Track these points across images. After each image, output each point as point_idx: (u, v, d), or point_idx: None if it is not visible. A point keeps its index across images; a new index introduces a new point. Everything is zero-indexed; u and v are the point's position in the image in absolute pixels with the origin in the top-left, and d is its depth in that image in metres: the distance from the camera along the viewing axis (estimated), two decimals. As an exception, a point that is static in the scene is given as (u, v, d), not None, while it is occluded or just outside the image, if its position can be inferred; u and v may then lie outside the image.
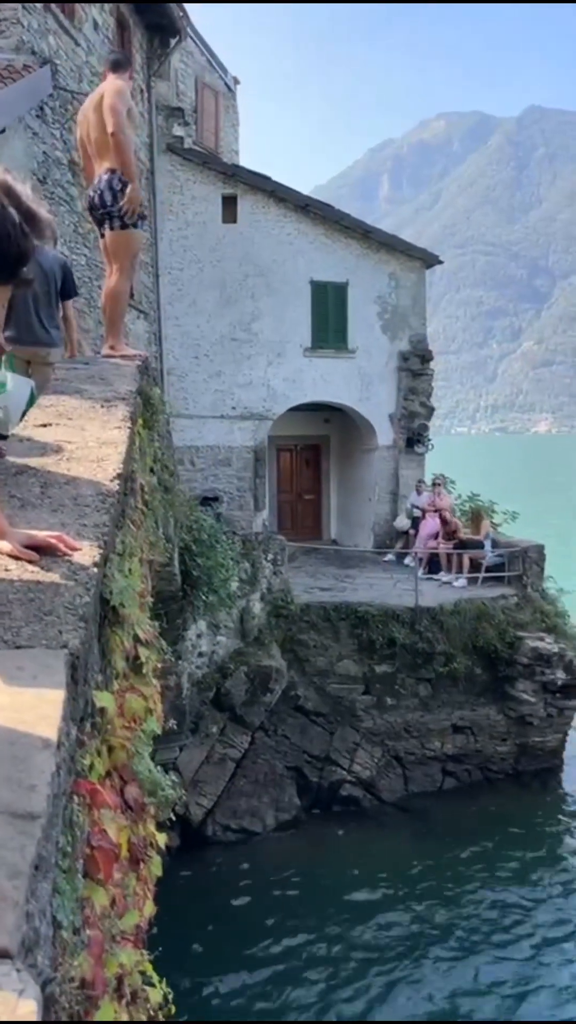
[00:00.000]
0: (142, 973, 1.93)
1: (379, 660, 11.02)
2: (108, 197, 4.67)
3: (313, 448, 18.30)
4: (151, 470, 4.54)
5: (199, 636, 9.86)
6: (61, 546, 1.75)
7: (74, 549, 1.78)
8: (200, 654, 9.97)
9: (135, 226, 4.79)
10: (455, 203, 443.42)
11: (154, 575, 6.72)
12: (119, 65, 4.92)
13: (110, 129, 4.52)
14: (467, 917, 8.44)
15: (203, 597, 8.79)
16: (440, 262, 16.58)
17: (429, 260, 16.14)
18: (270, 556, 11.09)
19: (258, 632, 10.80)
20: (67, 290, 4.94)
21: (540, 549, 12.45)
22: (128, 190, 4.63)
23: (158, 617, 7.66)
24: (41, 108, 8.93)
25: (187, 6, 14.11)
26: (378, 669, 11.01)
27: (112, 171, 4.66)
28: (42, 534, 1.78)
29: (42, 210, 1.47)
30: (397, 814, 10.53)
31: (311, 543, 16.64)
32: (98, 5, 10.80)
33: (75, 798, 1.36)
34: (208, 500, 14.22)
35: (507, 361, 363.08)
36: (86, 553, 1.81)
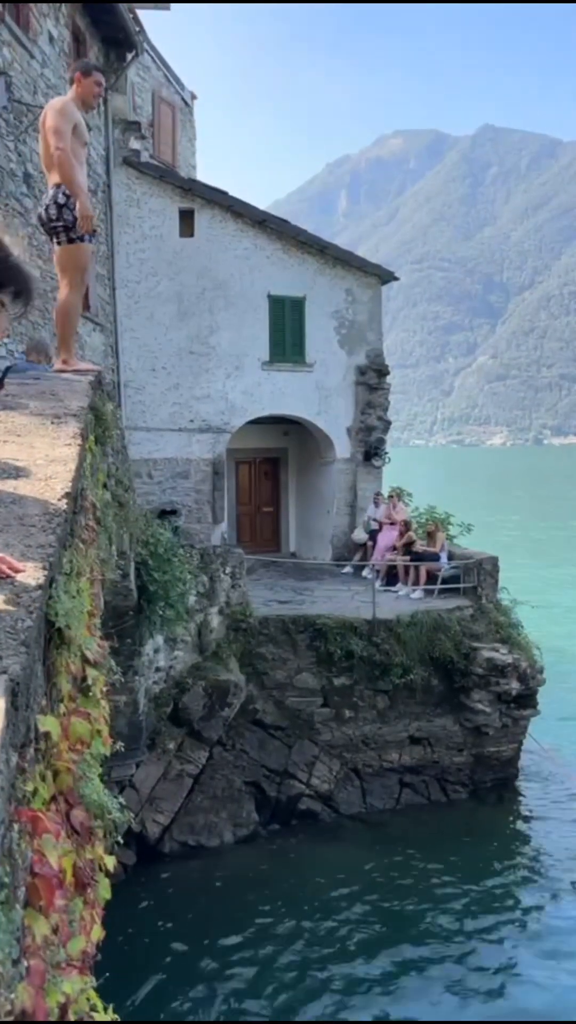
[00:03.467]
0: (88, 1000, 1.90)
1: (337, 672, 11.04)
2: (54, 211, 4.67)
3: (272, 461, 18.34)
4: (104, 486, 4.50)
5: (156, 651, 9.76)
6: (3, 567, 1.73)
7: (17, 571, 1.76)
8: (157, 669, 9.88)
9: (82, 240, 4.79)
10: (412, 219, 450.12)
11: (108, 591, 6.65)
12: (80, 72, 4.91)
13: (51, 150, 4.57)
14: (427, 928, 8.46)
15: (160, 612, 8.73)
16: (396, 278, 16.80)
17: (385, 276, 16.35)
18: (228, 569, 11.06)
19: (216, 646, 10.74)
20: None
21: (494, 561, 12.63)
22: (76, 207, 4.64)
23: (111, 635, 7.57)
24: (-5, 119, 8.85)
25: (144, 20, 14.15)
26: (336, 681, 11.03)
27: (57, 185, 4.66)
28: (-16, 556, 1.76)
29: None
30: (355, 827, 10.54)
31: (270, 556, 16.64)
32: (53, 19, 10.76)
33: (15, 826, 1.34)
34: (166, 513, 14.14)
35: (463, 375, 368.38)
36: (30, 574, 1.79)
